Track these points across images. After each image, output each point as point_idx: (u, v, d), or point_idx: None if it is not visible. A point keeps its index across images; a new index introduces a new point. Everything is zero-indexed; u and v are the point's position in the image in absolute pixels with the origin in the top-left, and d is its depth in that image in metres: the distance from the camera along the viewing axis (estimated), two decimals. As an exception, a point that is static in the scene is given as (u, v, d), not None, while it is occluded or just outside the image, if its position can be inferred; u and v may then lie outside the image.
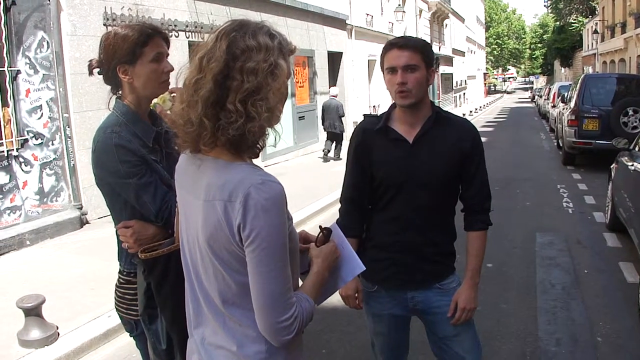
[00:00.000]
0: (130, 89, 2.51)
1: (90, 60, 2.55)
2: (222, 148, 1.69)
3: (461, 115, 3.34)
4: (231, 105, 1.61)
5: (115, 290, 2.73)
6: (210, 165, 1.70)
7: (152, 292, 2.47)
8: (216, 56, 1.63)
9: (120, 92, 2.55)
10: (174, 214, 2.34)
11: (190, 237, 1.80)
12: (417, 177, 2.69)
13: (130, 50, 2.42)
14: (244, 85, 1.61)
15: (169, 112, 2.29)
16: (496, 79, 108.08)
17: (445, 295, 2.85)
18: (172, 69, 2.51)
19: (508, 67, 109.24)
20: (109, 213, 2.66)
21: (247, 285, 1.67)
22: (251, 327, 1.72)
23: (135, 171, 2.39)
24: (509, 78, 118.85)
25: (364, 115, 3.08)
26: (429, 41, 36.90)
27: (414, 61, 2.59)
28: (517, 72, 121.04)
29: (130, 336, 2.83)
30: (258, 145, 1.73)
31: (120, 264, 2.71)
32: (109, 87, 2.59)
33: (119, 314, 2.77)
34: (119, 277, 2.71)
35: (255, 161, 1.80)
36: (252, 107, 1.62)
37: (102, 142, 2.42)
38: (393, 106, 2.81)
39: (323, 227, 2.10)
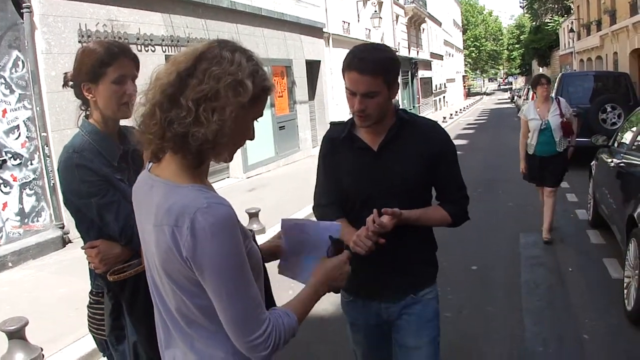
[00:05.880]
0: (94, 107, 2.50)
1: (66, 73, 2.55)
2: (171, 157, 1.68)
3: (440, 119, 3.28)
4: (184, 100, 1.58)
5: (87, 310, 2.71)
6: (160, 188, 1.67)
7: (118, 314, 2.47)
8: (187, 55, 1.64)
9: (88, 109, 2.55)
10: (137, 233, 2.32)
11: (149, 259, 1.77)
12: (385, 185, 2.61)
13: (93, 69, 2.41)
14: (201, 86, 1.58)
15: None
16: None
17: (417, 303, 2.77)
18: (135, 92, 2.46)
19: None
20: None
21: (207, 307, 1.64)
22: (219, 347, 1.70)
23: (96, 191, 2.37)
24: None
25: (331, 123, 2.95)
26: (407, 46, 37.12)
27: (373, 87, 2.45)
28: (496, 73, 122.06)
29: (104, 356, 2.80)
30: (205, 159, 1.69)
31: (91, 284, 2.69)
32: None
33: (91, 334, 2.74)
34: (90, 297, 2.69)
35: (237, 172, 1.80)
36: (204, 111, 1.58)
37: (64, 162, 2.43)
38: None
39: (333, 237, 2.05)
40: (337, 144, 2.73)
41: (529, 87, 29.09)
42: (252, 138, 1.76)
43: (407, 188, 2.62)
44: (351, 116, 2.69)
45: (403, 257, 2.69)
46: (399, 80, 2.63)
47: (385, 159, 2.63)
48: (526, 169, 7.92)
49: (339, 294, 2.91)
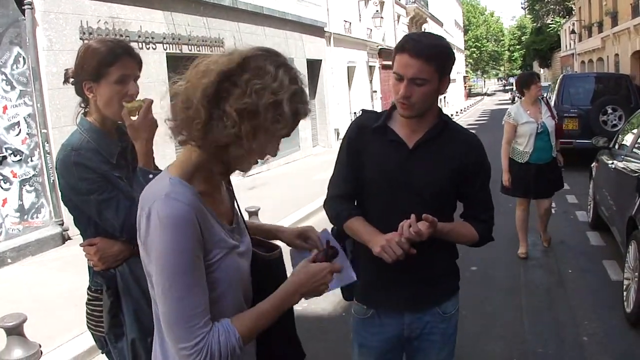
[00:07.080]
0: (94, 106, 2.48)
1: (67, 70, 2.54)
2: (186, 149, 1.64)
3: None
4: (230, 109, 1.51)
5: (86, 306, 2.70)
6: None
7: (116, 311, 2.48)
8: (232, 56, 1.57)
9: (88, 107, 2.53)
10: None
11: None
12: (412, 186, 2.40)
13: (95, 68, 2.38)
14: (244, 99, 1.52)
15: (133, 118, 2.34)
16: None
17: (443, 322, 2.61)
18: (137, 93, 2.45)
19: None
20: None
21: None
22: None
23: (95, 188, 2.37)
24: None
25: (362, 110, 2.75)
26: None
27: (424, 74, 2.24)
28: (497, 74, 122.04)
29: (102, 352, 2.80)
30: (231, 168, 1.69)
31: (89, 280, 2.68)
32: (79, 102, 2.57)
33: (90, 331, 2.72)
34: (88, 294, 2.67)
35: (238, 172, 1.76)
36: (245, 127, 1.53)
37: (62, 160, 2.42)
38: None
39: (330, 244, 1.91)
40: (367, 132, 2.49)
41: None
42: (273, 155, 1.69)
43: (438, 193, 2.42)
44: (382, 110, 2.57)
45: (429, 266, 2.51)
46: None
47: (419, 159, 2.42)
48: (511, 182, 7.07)
49: (341, 297, 2.76)
